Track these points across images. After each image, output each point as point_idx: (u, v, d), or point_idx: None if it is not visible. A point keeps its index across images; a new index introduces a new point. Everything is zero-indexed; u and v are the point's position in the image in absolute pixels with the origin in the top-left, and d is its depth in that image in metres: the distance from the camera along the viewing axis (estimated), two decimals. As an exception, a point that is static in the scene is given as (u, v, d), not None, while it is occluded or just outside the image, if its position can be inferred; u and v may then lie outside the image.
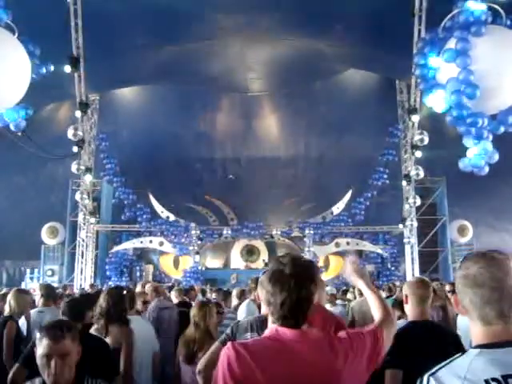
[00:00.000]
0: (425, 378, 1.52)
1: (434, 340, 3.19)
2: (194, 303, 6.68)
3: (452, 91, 7.36)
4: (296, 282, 1.94)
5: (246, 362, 1.86)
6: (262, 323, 3.27)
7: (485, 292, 1.55)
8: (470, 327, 1.62)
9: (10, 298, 5.23)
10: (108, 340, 4.27)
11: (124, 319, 4.58)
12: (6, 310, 5.21)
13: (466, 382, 1.45)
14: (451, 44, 7.57)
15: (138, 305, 6.34)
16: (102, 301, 4.56)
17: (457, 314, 5.54)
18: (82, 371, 2.71)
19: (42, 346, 2.58)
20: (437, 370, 1.52)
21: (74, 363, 2.62)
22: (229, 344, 1.95)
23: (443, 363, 1.54)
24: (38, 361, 2.58)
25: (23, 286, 17.97)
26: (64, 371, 2.56)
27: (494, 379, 1.43)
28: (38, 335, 2.66)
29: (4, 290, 8.35)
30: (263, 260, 22.83)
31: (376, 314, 2.30)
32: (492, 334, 1.54)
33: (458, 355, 1.55)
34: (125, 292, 4.93)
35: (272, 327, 2.00)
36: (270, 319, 2.06)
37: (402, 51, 14.82)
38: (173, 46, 18.12)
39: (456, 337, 3.50)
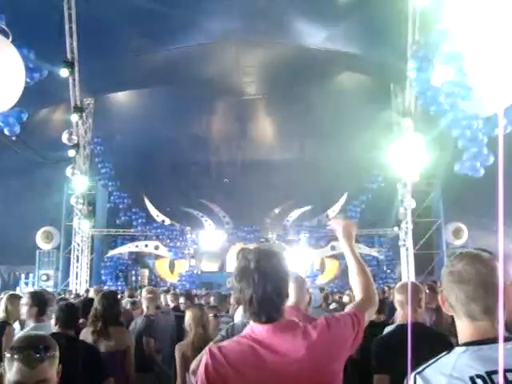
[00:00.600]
0: (411, 376, 1.55)
1: (422, 342, 3.18)
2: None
3: (446, 93, 7.38)
4: (260, 276, 1.91)
5: (221, 363, 1.87)
6: None
7: (470, 288, 1.57)
8: (456, 325, 1.64)
9: (5, 302, 5.18)
10: (110, 343, 4.28)
11: (120, 322, 4.58)
12: (1, 315, 5.16)
13: (452, 379, 1.46)
14: (445, 46, 7.59)
15: (150, 309, 6.30)
16: (96, 304, 4.55)
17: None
18: None
19: (12, 372, 2.06)
20: (423, 369, 1.54)
21: None
22: (206, 348, 1.96)
23: (429, 362, 1.56)
24: None
25: (18, 290, 17.88)
26: None
27: (478, 376, 1.45)
28: (7, 355, 2.13)
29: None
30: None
31: (355, 288, 2.24)
32: (477, 331, 1.56)
33: (444, 353, 1.57)
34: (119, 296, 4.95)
35: (248, 325, 1.99)
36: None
37: (396, 54, 14.87)
38: (167, 49, 18.13)
39: (445, 338, 3.49)
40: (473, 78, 7.07)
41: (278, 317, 1.93)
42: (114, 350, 4.32)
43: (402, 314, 3.53)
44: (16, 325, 5.30)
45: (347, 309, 2.18)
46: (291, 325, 1.96)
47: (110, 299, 4.60)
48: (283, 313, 1.96)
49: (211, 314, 5.42)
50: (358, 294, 2.23)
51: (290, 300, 4.34)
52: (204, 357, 1.93)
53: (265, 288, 1.90)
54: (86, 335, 4.48)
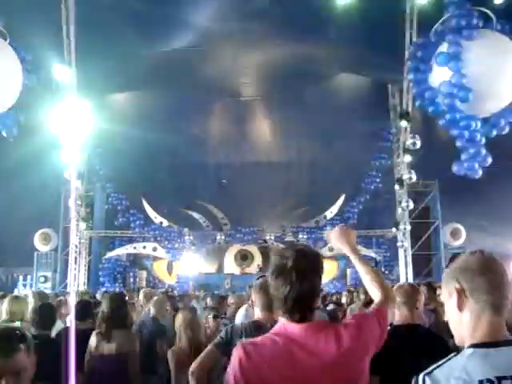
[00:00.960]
0: (420, 377, 1.54)
1: (416, 344, 3.18)
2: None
3: (445, 94, 7.39)
4: (298, 274, 1.94)
5: (255, 360, 1.90)
6: (256, 328, 3.25)
7: (495, 277, 1.57)
8: (465, 324, 1.60)
9: (8, 304, 5.21)
10: (112, 345, 4.31)
11: (126, 324, 4.59)
12: (4, 317, 5.19)
13: (461, 381, 1.46)
14: (443, 48, 7.61)
15: (161, 312, 6.26)
16: (103, 306, 4.58)
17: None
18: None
19: None
20: (433, 370, 1.53)
21: (28, 380, 2.08)
22: (239, 344, 1.99)
23: (439, 363, 1.54)
24: None
25: (16, 292, 17.84)
26: None
27: (488, 380, 1.44)
28: None
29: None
30: (258, 265, 22.81)
31: (372, 290, 2.28)
32: (490, 330, 1.54)
33: (453, 354, 1.55)
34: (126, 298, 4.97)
35: (280, 322, 2.02)
36: (279, 313, 2.07)
37: (393, 56, 14.90)
38: (165, 51, 18.13)
39: (441, 339, 3.49)
40: (471, 78, 7.09)
41: (310, 316, 1.98)
42: (116, 353, 4.34)
43: (399, 315, 3.54)
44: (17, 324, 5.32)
45: (371, 308, 2.21)
46: (324, 325, 2.01)
47: (118, 302, 4.64)
48: (314, 312, 2.00)
49: (211, 316, 5.40)
50: (375, 293, 2.26)
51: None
52: (236, 352, 1.95)
53: (301, 287, 1.94)
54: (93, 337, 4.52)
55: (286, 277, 1.95)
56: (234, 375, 1.91)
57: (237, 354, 1.94)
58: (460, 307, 1.60)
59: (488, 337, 1.53)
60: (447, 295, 1.66)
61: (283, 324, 1.99)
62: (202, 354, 3.30)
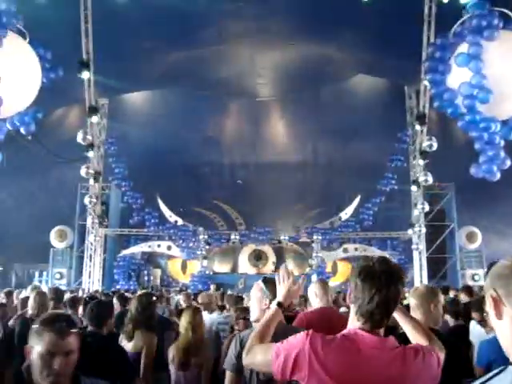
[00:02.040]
0: None
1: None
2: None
3: (464, 96, 7.31)
4: (386, 279, 1.95)
5: (318, 350, 1.91)
6: None
7: None
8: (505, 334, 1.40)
9: (34, 298, 5.32)
10: (132, 344, 4.40)
11: (151, 325, 4.68)
12: (31, 312, 5.35)
13: None
14: (463, 48, 7.53)
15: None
16: (132, 306, 4.75)
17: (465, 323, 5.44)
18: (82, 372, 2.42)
19: (43, 342, 2.23)
20: None
21: (74, 364, 2.30)
22: (311, 332, 1.98)
23: (479, 380, 1.36)
24: (35, 360, 2.23)
25: (31, 289, 17.99)
26: (66, 372, 2.25)
27: None
28: (34, 329, 2.30)
29: (24, 292, 8.47)
30: (273, 262, 22.78)
31: (418, 338, 2.26)
32: None
33: (496, 371, 1.35)
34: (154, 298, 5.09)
35: (351, 327, 2.01)
36: (350, 316, 2.06)
37: (410, 57, 14.81)
38: (182, 50, 18.22)
39: (453, 344, 3.42)
40: (490, 80, 7.00)
41: (384, 324, 1.98)
42: (133, 351, 4.44)
43: None
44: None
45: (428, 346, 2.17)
46: (394, 344, 1.99)
47: (144, 303, 4.75)
48: (388, 320, 2.00)
49: (241, 318, 5.42)
50: (422, 340, 2.23)
51: (318, 302, 4.34)
52: (300, 336, 1.97)
53: (388, 291, 1.94)
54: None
55: (375, 279, 1.95)
56: (288, 354, 1.94)
57: (300, 338, 1.96)
58: (498, 316, 1.40)
59: None
60: (488, 305, 1.45)
61: (355, 330, 1.98)
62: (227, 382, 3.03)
